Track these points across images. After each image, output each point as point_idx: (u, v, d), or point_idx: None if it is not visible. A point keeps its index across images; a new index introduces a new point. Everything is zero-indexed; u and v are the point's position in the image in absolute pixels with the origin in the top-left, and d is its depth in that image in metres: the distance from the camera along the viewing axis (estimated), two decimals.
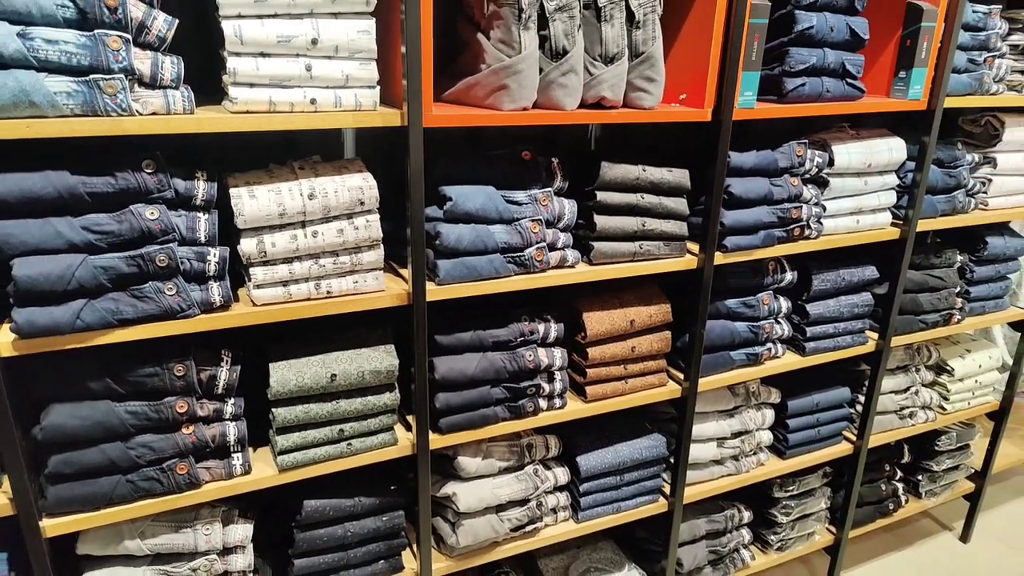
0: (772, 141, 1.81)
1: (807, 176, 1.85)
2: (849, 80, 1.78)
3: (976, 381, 2.47)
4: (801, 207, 1.83)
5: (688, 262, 1.73)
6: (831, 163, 1.86)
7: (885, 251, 2.07)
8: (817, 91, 1.74)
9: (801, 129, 1.90)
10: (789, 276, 1.94)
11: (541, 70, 1.43)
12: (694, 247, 1.75)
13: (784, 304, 1.95)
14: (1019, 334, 2.53)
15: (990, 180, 2.20)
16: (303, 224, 1.30)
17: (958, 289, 2.28)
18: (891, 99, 1.91)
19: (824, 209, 1.90)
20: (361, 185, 1.32)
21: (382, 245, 1.39)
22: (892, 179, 1.99)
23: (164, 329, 1.23)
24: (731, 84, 1.59)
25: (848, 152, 1.88)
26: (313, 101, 1.24)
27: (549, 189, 1.55)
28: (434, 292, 1.44)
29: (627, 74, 1.51)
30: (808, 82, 1.72)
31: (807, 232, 1.87)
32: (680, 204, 1.68)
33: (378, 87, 1.30)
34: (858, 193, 1.94)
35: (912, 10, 1.84)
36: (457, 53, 1.56)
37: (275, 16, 1.19)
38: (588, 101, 1.50)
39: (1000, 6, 2.03)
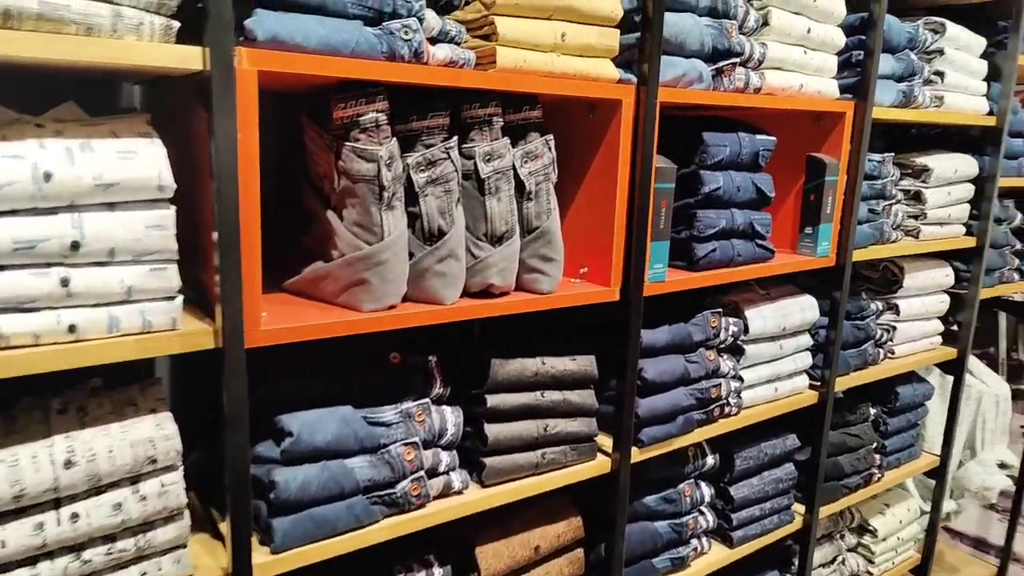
0: (678, 306, 1.58)
1: (723, 346, 1.63)
2: (759, 241, 1.60)
3: (898, 538, 2.29)
4: (720, 384, 1.58)
5: (600, 465, 1.42)
6: (746, 330, 1.65)
7: (803, 415, 1.86)
8: (728, 255, 1.53)
9: (709, 290, 1.69)
10: (711, 460, 1.68)
11: (412, 255, 1.11)
12: (606, 440, 1.45)
13: (707, 491, 1.68)
14: (932, 481, 2.40)
15: (894, 327, 2.09)
16: (56, 504, 0.87)
17: (875, 445, 2.11)
18: (799, 256, 1.75)
19: (742, 381, 1.67)
20: (152, 436, 0.92)
21: (186, 513, 0.97)
22: (806, 340, 1.81)
23: None
24: (639, 257, 1.34)
25: (762, 316, 1.67)
26: (72, 328, 0.85)
27: (426, 400, 1.20)
28: (268, 566, 1.03)
29: (519, 254, 1.22)
30: (719, 247, 1.51)
31: (727, 410, 1.63)
32: (587, 397, 1.38)
33: (179, 297, 0.93)
34: (774, 358, 1.74)
35: (814, 164, 1.71)
36: (304, 223, 1.22)
37: (12, 213, 0.81)
38: (473, 289, 1.19)
39: (892, 153, 1.96)
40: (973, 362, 2.62)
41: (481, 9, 1.11)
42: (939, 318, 2.23)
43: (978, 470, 2.43)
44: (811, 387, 1.87)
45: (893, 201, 1.97)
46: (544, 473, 1.34)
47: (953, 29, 1.95)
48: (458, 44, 1.09)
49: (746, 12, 1.46)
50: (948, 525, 2.79)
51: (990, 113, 2.11)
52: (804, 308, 1.77)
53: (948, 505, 2.51)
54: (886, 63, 1.79)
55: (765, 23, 1.51)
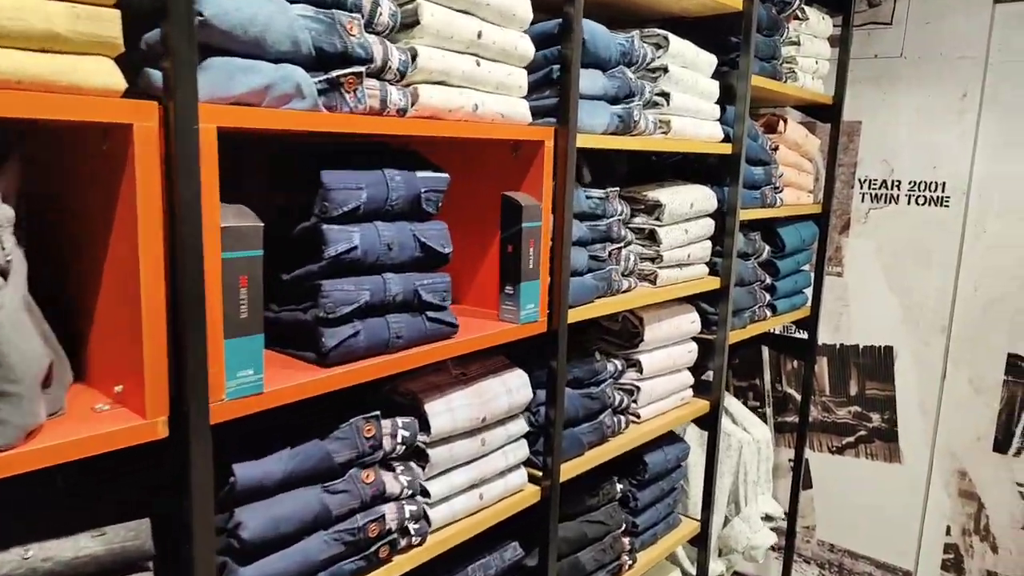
0: (316, 412, 1.13)
1: (393, 457, 1.20)
2: (430, 314, 1.19)
3: None
4: (383, 514, 1.15)
5: None
6: (427, 429, 1.23)
7: (522, 518, 1.49)
8: (381, 338, 1.11)
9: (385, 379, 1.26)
10: None
11: None
12: None
13: None
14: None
15: (638, 388, 1.79)
16: None
17: (623, 527, 1.80)
18: (501, 324, 1.37)
19: (429, 496, 1.25)
20: None
21: None
22: (518, 426, 1.43)
23: None
24: (199, 367, 0.86)
25: (449, 408, 1.27)
26: None
27: None
28: None
29: None
30: (364, 328, 1.08)
31: (407, 542, 1.20)
32: None
33: None
34: (476, 457, 1.34)
35: (508, 207, 1.34)
36: None
37: None
38: None
39: (618, 188, 1.66)
40: (734, 405, 2.44)
41: None
42: (689, 368, 1.98)
43: (743, 528, 2.23)
44: (533, 481, 1.50)
45: (622, 244, 1.66)
46: None
47: (678, 44, 1.69)
48: None
49: (374, 3, 1.04)
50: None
51: (726, 139, 1.89)
52: (512, 388, 1.39)
53: (717, 567, 2.29)
54: (595, 81, 1.47)
55: (414, 21, 1.11)
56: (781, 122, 2.26)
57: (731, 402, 2.42)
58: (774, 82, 2.04)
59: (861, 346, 2.67)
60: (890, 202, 2.54)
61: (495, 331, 1.32)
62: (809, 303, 2.55)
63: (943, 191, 2.43)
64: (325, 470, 1.08)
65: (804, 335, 2.61)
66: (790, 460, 2.88)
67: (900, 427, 2.62)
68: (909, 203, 2.51)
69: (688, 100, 1.73)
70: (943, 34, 2.39)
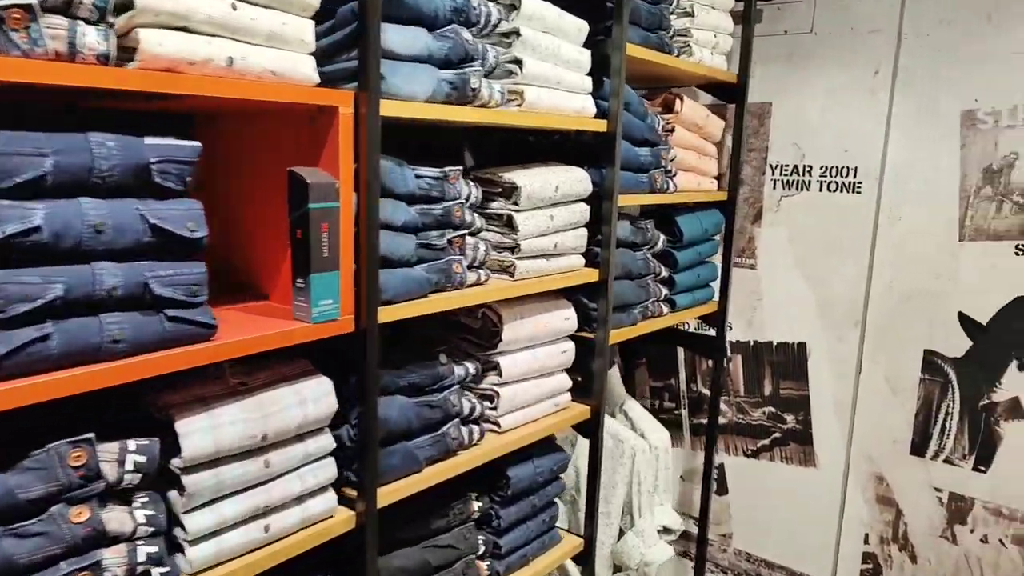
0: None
1: (127, 488, 0.98)
2: (172, 312, 0.97)
3: None
4: (99, 560, 0.93)
5: None
6: (179, 451, 1.02)
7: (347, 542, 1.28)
8: (90, 344, 0.89)
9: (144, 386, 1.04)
10: None
11: None
12: None
13: None
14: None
15: (498, 394, 1.59)
16: None
17: (481, 550, 1.60)
18: (294, 324, 1.16)
19: (185, 531, 1.03)
20: None
21: None
22: (320, 443, 1.22)
23: None
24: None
25: (214, 427, 1.05)
26: None
27: None
28: None
29: None
30: (57, 331, 0.86)
31: None
32: None
33: None
34: (258, 482, 1.13)
35: (295, 185, 1.13)
36: None
37: None
38: None
39: (461, 167, 1.45)
40: (635, 409, 2.26)
41: None
42: (567, 370, 1.79)
43: (636, 542, 2.05)
44: (349, 506, 1.29)
45: (467, 231, 1.46)
46: None
47: (534, 5, 1.49)
48: None
49: None
50: None
51: (601, 116, 1.70)
52: (308, 399, 1.18)
53: None
54: (415, 40, 1.27)
55: None
56: (678, 101, 2.07)
57: (631, 405, 2.24)
58: (660, 54, 1.85)
59: (775, 343, 2.51)
60: (801, 189, 2.38)
61: (272, 332, 1.10)
62: (717, 298, 2.38)
63: (855, 176, 2.27)
64: (5, 509, 0.86)
65: (713, 332, 2.44)
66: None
67: (815, 429, 2.46)
68: (821, 189, 2.34)
69: (548, 69, 1.53)
70: (854, 7, 2.22)
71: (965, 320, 2.16)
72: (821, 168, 2.33)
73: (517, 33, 1.46)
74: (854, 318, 2.33)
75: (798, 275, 2.42)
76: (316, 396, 1.19)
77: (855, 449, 2.40)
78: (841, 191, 2.30)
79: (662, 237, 2.05)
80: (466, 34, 1.36)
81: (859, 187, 2.27)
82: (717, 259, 2.38)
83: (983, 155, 2.08)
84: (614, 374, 2.24)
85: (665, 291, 2.09)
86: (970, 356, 2.16)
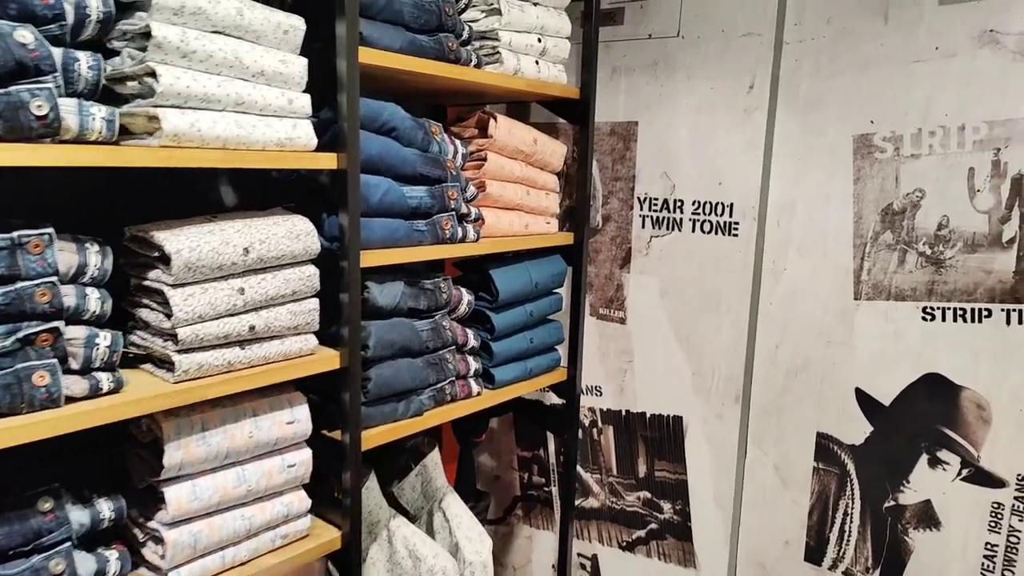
0: None
1: None
2: None
3: None
4: None
5: None
6: None
7: None
8: None
9: None
10: None
11: None
12: None
13: None
14: None
15: (161, 539, 1.13)
16: None
17: None
18: None
19: None
20: None
21: None
22: None
23: None
24: None
25: None
26: None
27: None
28: None
29: None
30: None
31: None
32: None
33: None
34: None
35: None
36: None
37: None
38: None
39: (50, 229, 1.00)
40: (453, 508, 1.79)
41: None
42: (305, 486, 1.33)
43: None
44: None
45: (58, 322, 1.00)
46: None
47: None
48: None
49: None
50: None
51: (330, 147, 1.24)
52: None
53: None
54: None
55: None
56: (491, 121, 1.62)
57: (450, 502, 1.77)
58: (432, 63, 1.39)
59: (648, 414, 2.05)
60: (673, 228, 1.92)
61: None
62: (565, 364, 1.93)
63: (730, 215, 1.82)
64: None
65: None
66: (580, 555, 2.25)
67: (694, 523, 2.01)
68: (694, 230, 1.89)
69: (213, 84, 1.08)
70: (724, 4, 1.77)
71: (863, 398, 1.71)
72: (693, 204, 1.88)
73: (148, 35, 1.01)
74: (734, 391, 1.88)
75: (671, 334, 1.97)
76: None
77: (742, 550, 1.94)
78: (716, 232, 1.85)
79: (467, 298, 1.60)
80: (37, 37, 0.90)
81: (735, 228, 1.82)
82: (565, 316, 1.93)
83: (881, 192, 1.63)
84: (431, 462, 1.78)
85: (475, 366, 1.63)
86: (870, 444, 1.71)
